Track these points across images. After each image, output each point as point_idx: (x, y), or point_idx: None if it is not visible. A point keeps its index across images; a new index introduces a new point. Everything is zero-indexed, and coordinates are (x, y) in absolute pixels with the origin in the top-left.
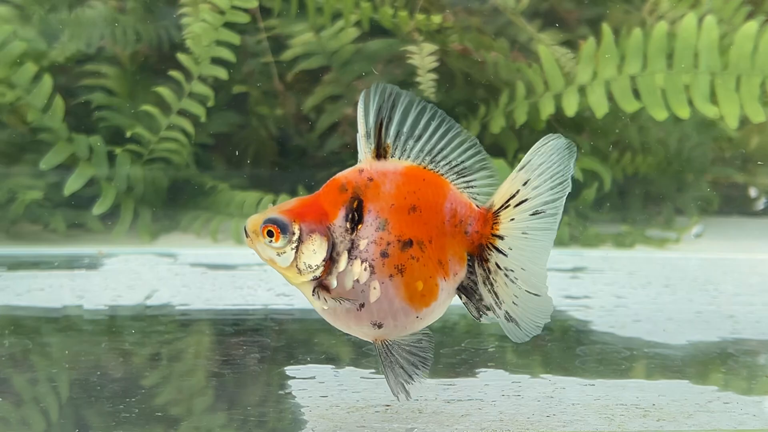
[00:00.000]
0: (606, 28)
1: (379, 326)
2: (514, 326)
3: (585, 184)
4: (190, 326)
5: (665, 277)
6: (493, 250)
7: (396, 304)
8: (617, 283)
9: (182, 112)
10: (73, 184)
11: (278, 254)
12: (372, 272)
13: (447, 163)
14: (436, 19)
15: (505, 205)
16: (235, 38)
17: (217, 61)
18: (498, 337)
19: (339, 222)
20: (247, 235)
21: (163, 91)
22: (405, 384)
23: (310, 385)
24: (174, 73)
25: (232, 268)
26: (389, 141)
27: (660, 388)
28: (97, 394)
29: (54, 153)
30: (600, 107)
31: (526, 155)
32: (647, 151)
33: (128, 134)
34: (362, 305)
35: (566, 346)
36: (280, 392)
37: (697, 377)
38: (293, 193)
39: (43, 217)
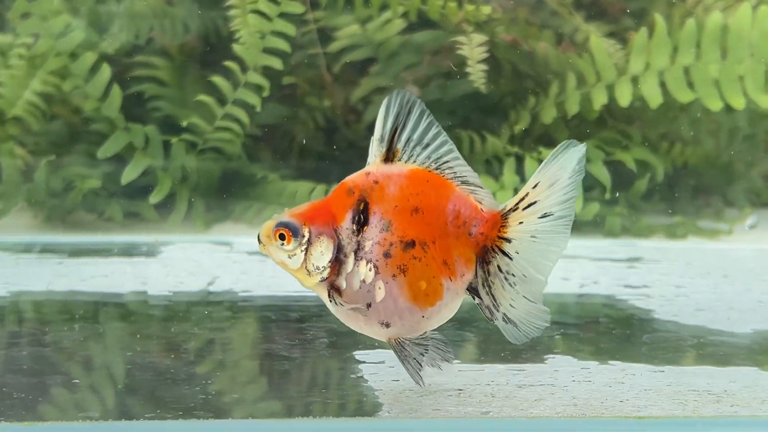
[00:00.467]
0: (659, 19)
1: (387, 325)
2: (513, 328)
3: (637, 175)
4: (255, 312)
5: (721, 268)
6: (498, 252)
7: (401, 303)
8: (674, 273)
9: (237, 102)
10: (130, 174)
11: (289, 256)
12: (376, 272)
13: (452, 172)
14: (486, 9)
15: (514, 208)
16: (290, 29)
17: (270, 51)
18: (562, 324)
19: (346, 224)
20: (260, 242)
21: (218, 81)
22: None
23: (380, 369)
24: (229, 64)
25: None
26: (399, 146)
27: (730, 375)
28: (173, 377)
29: (111, 142)
30: (654, 98)
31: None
32: (698, 142)
33: (184, 124)
34: (369, 305)
35: (631, 334)
36: (353, 376)
37: (766, 365)
38: (336, 182)
39: (100, 205)
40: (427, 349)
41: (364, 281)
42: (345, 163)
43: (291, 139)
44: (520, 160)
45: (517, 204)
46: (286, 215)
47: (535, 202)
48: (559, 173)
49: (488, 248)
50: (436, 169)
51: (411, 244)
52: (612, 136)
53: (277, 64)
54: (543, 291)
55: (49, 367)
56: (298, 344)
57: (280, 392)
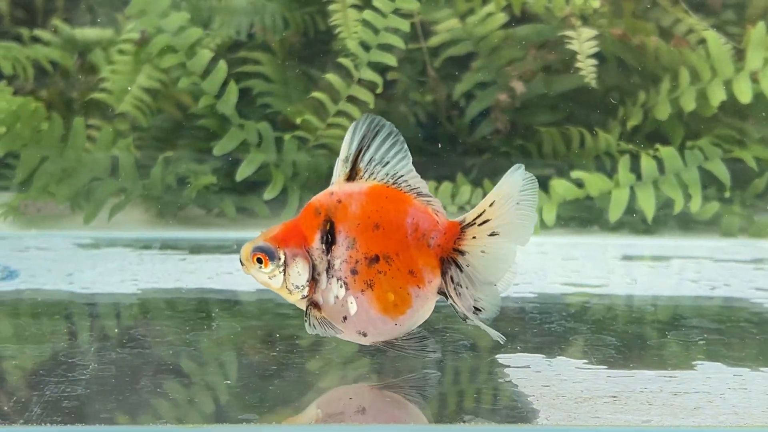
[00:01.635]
0: None
1: (364, 335)
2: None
3: (756, 173)
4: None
5: None
6: (453, 264)
7: (372, 315)
8: None
9: (350, 99)
10: (245, 170)
11: (269, 278)
12: (347, 288)
13: (407, 185)
14: (594, 3)
15: (471, 222)
16: (404, 25)
17: (385, 47)
18: (704, 329)
19: (316, 244)
20: (242, 264)
21: (332, 77)
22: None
23: (527, 374)
24: (343, 60)
25: None
26: (362, 165)
27: None
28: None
29: (227, 139)
30: None
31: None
32: None
33: (298, 121)
34: (345, 317)
35: None
36: (500, 380)
37: None
38: (443, 179)
39: (212, 201)
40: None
41: (337, 297)
42: (447, 159)
43: None
44: (634, 158)
45: (474, 219)
46: (261, 239)
47: (488, 220)
48: (510, 195)
49: (444, 259)
50: (394, 183)
51: (375, 259)
52: (728, 133)
53: (391, 60)
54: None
55: (200, 368)
56: (439, 345)
57: (431, 395)
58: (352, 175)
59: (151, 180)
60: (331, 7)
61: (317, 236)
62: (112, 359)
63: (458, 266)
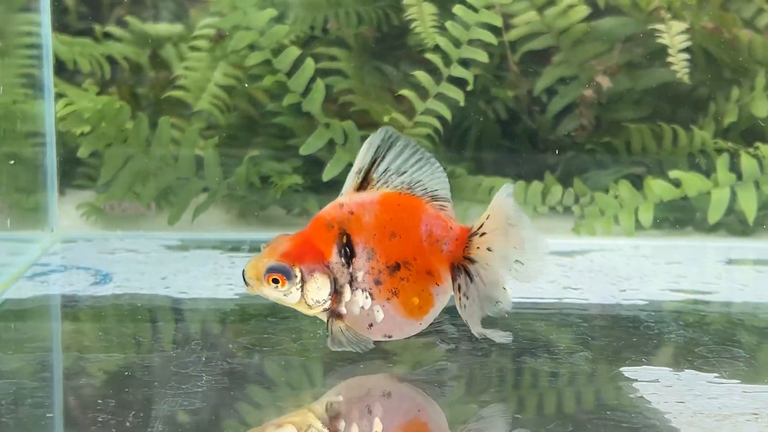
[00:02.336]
0: None
1: (390, 337)
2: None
3: None
4: (501, 320)
5: None
6: (463, 271)
7: (398, 320)
8: None
9: (439, 97)
10: (331, 170)
11: (285, 295)
12: (372, 299)
13: (422, 189)
14: None
15: (476, 232)
16: (497, 20)
17: (475, 42)
18: None
19: (335, 259)
20: (247, 283)
21: (420, 75)
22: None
23: (658, 389)
24: (431, 56)
25: None
26: (375, 176)
27: None
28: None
29: (314, 139)
30: None
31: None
32: None
33: (386, 119)
34: (371, 324)
35: None
36: (631, 396)
37: None
38: (523, 177)
39: (295, 201)
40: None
41: (362, 307)
42: (528, 155)
43: (471, 131)
44: (731, 156)
45: (478, 229)
46: (272, 256)
47: (485, 233)
48: (502, 213)
49: (454, 266)
50: (408, 190)
51: (396, 267)
52: None
53: (482, 57)
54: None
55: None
56: (559, 357)
57: (553, 410)
58: (363, 186)
59: (235, 179)
60: (406, 1)
61: (334, 250)
62: (225, 370)
63: (468, 275)
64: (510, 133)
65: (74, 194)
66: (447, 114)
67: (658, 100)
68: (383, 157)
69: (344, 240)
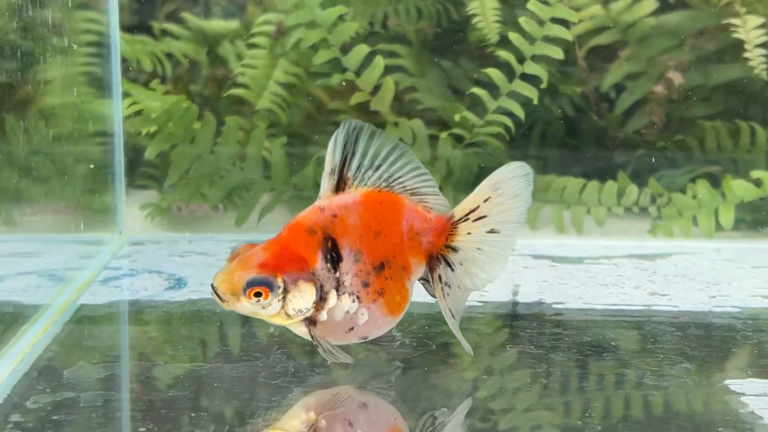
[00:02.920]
0: None
1: (365, 338)
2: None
3: None
4: (591, 328)
5: None
6: (442, 261)
7: (380, 321)
8: None
9: (511, 95)
10: None
11: (264, 308)
12: (360, 302)
13: (401, 186)
14: None
15: (464, 218)
16: (572, 15)
17: (549, 39)
18: None
19: (320, 265)
20: (220, 298)
21: (493, 72)
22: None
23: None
24: (502, 53)
25: (579, 261)
26: (350, 174)
27: None
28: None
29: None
30: None
31: (492, 174)
32: None
33: (457, 118)
34: (351, 328)
35: None
36: (742, 411)
37: None
38: (592, 176)
39: None
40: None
41: (347, 312)
42: (596, 153)
43: (536, 129)
44: None
45: (467, 215)
46: (245, 269)
47: (485, 216)
48: (510, 192)
49: (434, 256)
50: (386, 186)
51: (381, 267)
52: None
53: (557, 54)
54: (462, 310)
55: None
56: (658, 369)
57: (670, 427)
58: (339, 186)
59: (302, 179)
60: None
61: (319, 256)
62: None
63: (449, 264)
64: (577, 131)
65: (136, 195)
66: (520, 112)
67: (731, 96)
68: (353, 153)
69: (329, 245)
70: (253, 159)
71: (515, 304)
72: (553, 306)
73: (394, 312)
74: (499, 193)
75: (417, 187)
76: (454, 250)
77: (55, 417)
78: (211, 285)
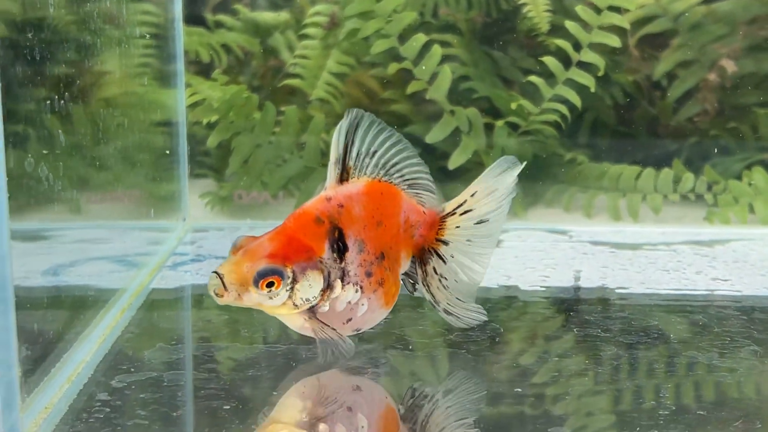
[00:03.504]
0: None
1: (358, 330)
2: (454, 318)
3: None
4: (656, 312)
5: None
6: (434, 254)
7: (376, 312)
8: None
9: (568, 83)
10: (458, 158)
11: (271, 298)
12: (362, 292)
13: (400, 175)
14: None
15: (451, 213)
16: (629, 2)
17: (607, 28)
18: None
19: (327, 254)
20: (224, 288)
21: (549, 60)
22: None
23: None
24: (559, 41)
25: (637, 247)
26: (351, 163)
27: None
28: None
29: (440, 126)
30: None
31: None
32: None
33: (513, 106)
34: (349, 319)
35: None
36: None
37: None
38: (645, 163)
39: None
40: None
41: (349, 302)
42: (649, 141)
43: (588, 117)
44: None
45: (455, 209)
46: (253, 260)
47: (472, 209)
48: (496, 185)
49: (426, 249)
50: (385, 175)
51: (382, 257)
52: None
53: (615, 42)
54: (475, 291)
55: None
56: (722, 350)
57: (746, 408)
58: (343, 177)
59: None
60: None
61: (326, 246)
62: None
63: (441, 257)
64: (630, 119)
65: (194, 184)
66: (576, 100)
67: None
68: (353, 140)
69: (336, 234)
70: (312, 147)
71: (577, 289)
72: (617, 291)
73: (389, 303)
74: (485, 186)
75: (414, 178)
76: (445, 243)
77: (141, 395)
78: (214, 274)
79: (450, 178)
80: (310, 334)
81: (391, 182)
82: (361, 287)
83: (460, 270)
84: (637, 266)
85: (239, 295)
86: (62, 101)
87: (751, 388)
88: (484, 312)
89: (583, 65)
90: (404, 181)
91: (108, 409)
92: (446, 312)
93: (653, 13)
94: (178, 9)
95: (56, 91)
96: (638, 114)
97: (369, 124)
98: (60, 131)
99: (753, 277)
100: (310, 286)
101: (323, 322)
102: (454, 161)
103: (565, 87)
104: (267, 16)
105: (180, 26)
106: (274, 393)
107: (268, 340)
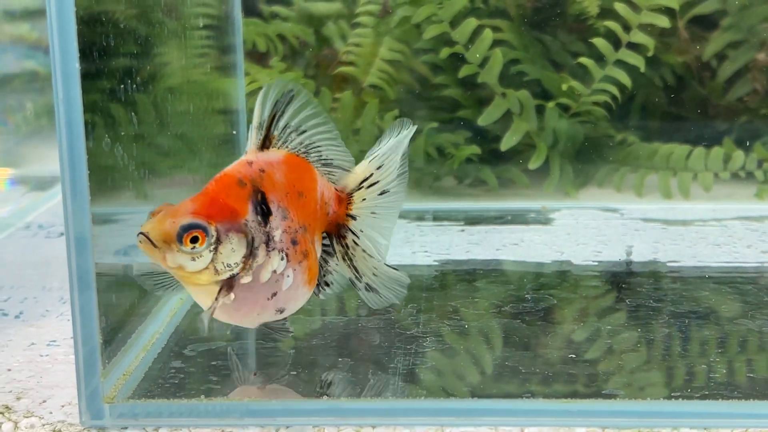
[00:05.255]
0: None
1: (281, 311)
2: (374, 295)
3: None
4: (708, 283)
5: None
6: (348, 230)
7: (300, 289)
8: None
9: (618, 63)
10: (510, 140)
11: (193, 259)
12: (287, 261)
13: (318, 155)
14: None
15: (358, 187)
16: None
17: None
18: None
19: (251, 217)
20: (153, 245)
21: (599, 41)
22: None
23: None
24: (609, 23)
25: (688, 223)
26: (276, 132)
27: None
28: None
29: (492, 109)
30: None
31: (378, 142)
32: None
33: (564, 87)
34: (274, 294)
35: None
36: None
37: None
38: (696, 143)
39: (469, 172)
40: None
41: (275, 272)
42: (700, 121)
43: (638, 98)
44: None
45: (361, 183)
46: (176, 216)
47: (377, 182)
48: (396, 151)
49: (340, 225)
50: (304, 153)
51: (304, 229)
52: None
53: (663, 22)
54: (386, 253)
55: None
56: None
57: None
58: (265, 143)
59: (413, 151)
60: None
61: (250, 208)
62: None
63: (353, 232)
64: (680, 100)
65: None
66: (627, 81)
67: None
68: (282, 112)
69: (259, 197)
70: (368, 131)
71: (629, 263)
72: (668, 264)
73: (312, 281)
74: (386, 156)
75: (330, 160)
76: (353, 218)
77: (213, 363)
78: (139, 233)
79: (502, 160)
80: (220, 317)
81: (308, 158)
82: (286, 255)
83: (369, 242)
84: (688, 241)
85: (164, 255)
86: (128, 90)
87: None
88: (407, 277)
89: (633, 46)
90: (320, 160)
91: (182, 375)
92: (367, 288)
93: None
94: (236, 0)
95: (123, 81)
96: (688, 95)
97: (304, 102)
98: (130, 119)
99: None
100: (233, 250)
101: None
102: (506, 143)
103: (615, 68)
104: (321, 6)
105: (239, 16)
106: (340, 359)
107: (330, 315)
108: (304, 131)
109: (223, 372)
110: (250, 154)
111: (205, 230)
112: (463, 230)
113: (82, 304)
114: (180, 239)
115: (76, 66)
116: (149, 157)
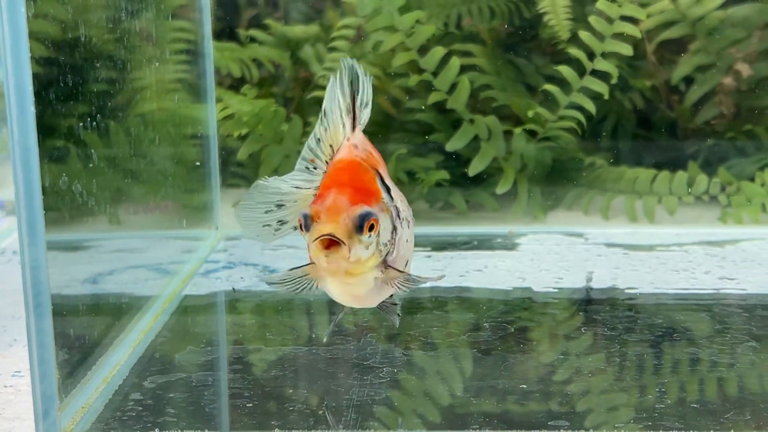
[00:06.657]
0: None
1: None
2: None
3: None
4: (663, 311)
5: None
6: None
7: (409, 251)
8: None
9: (583, 90)
10: (477, 165)
11: (367, 247)
12: (409, 227)
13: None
14: None
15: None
16: (640, 13)
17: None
18: None
19: (385, 196)
20: (339, 243)
21: (564, 69)
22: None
23: None
24: (573, 51)
25: (651, 248)
26: (357, 112)
27: None
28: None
29: (460, 135)
30: None
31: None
32: None
33: (530, 114)
34: (407, 261)
35: None
36: None
37: None
38: (663, 167)
39: (440, 196)
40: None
41: (407, 240)
42: (667, 144)
43: (608, 122)
44: None
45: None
46: (353, 207)
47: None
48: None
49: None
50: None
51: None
52: None
53: (626, 50)
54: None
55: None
56: (722, 346)
57: (743, 401)
58: (355, 124)
59: None
60: None
61: (381, 187)
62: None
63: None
64: (648, 123)
65: (226, 193)
66: (591, 107)
67: None
68: (357, 89)
69: (379, 176)
70: None
71: (589, 289)
72: (626, 291)
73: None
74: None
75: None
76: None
77: (171, 395)
78: (320, 237)
79: (472, 184)
80: (381, 296)
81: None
82: (408, 222)
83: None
84: (647, 267)
85: (348, 250)
86: (99, 117)
87: (748, 381)
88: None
89: (597, 73)
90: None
91: (140, 408)
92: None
93: (672, 18)
94: (207, 27)
95: (93, 107)
96: (657, 118)
97: (362, 73)
98: (95, 148)
99: (759, 276)
100: (385, 229)
101: (399, 270)
102: (474, 168)
103: (580, 94)
104: (298, 30)
105: (210, 43)
106: (291, 391)
107: (291, 343)
108: (368, 103)
109: (182, 405)
110: (352, 137)
111: (376, 216)
112: (429, 256)
113: (38, 333)
114: (361, 230)
115: (31, 108)
116: (118, 184)
